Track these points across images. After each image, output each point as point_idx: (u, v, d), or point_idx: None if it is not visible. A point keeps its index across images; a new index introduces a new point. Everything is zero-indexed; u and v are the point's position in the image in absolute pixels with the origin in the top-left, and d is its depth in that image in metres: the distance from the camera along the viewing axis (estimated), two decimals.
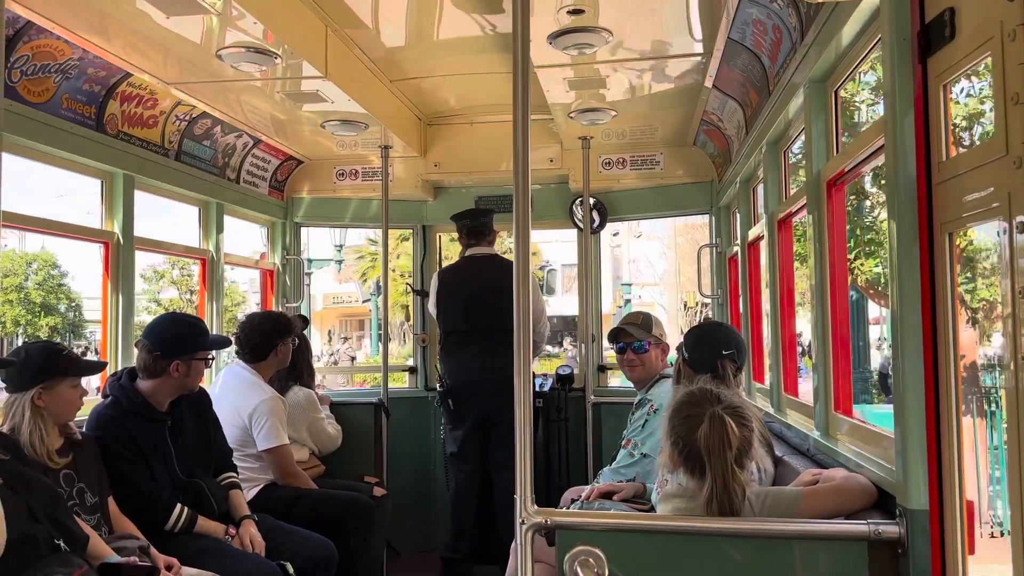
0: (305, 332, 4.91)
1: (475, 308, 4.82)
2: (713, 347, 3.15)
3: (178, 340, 3.34)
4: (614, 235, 29.74)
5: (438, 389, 5.04)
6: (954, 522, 1.78)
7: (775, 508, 2.12)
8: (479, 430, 4.85)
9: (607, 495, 3.50)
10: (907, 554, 1.85)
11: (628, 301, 25.35)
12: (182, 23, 3.11)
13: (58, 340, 27.08)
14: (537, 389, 5.34)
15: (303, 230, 5.85)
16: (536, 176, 5.35)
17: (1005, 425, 1.51)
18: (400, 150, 5.23)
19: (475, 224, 5.03)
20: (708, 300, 5.41)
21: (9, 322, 28.06)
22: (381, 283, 5.95)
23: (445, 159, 5.51)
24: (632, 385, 3.87)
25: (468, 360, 4.83)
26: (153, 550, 2.95)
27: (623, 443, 3.73)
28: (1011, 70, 1.49)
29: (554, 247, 30.95)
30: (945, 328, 1.80)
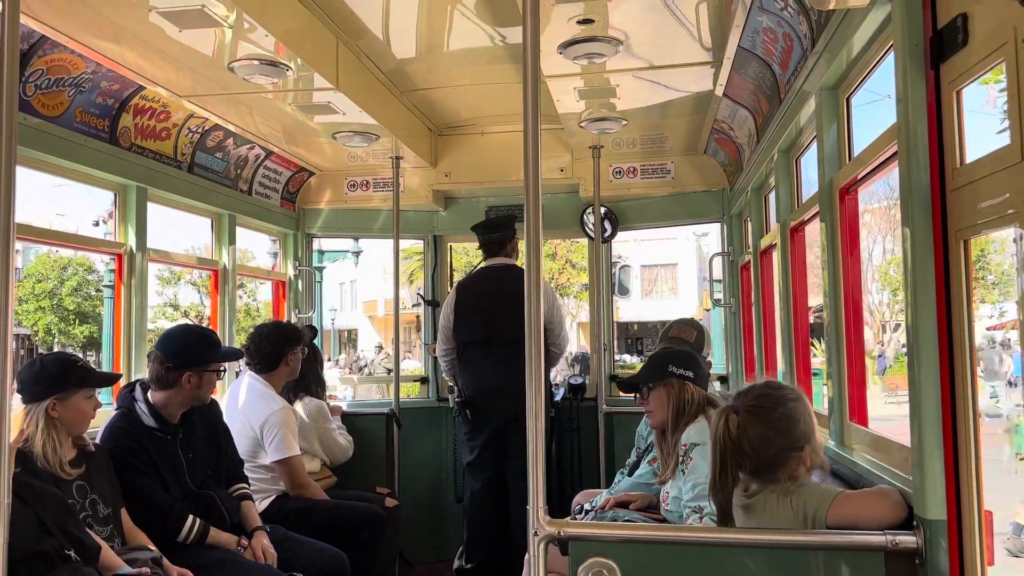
0: (316, 341, 4.91)
1: (493, 319, 4.80)
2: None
3: (190, 352, 3.35)
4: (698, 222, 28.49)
5: (455, 399, 5.01)
6: (972, 532, 1.75)
7: (809, 500, 2.09)
8: (496, 440, 4.82)
9: (622, 504, 3.49)
10: (925, 565, 1.83)
11: (718, 302, 23.39)
12: (194, 36, 3.14)
13: (83, 352, 26.57)
14: (551, 399, 5.31)
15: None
16: (547, 185, 5.34)
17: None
18: (411, 161, 5.24)
19: (484, 241, 5.01)
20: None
21: (41, 330, 26.61)
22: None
23: (456, 169, 5.52)
24: None
25: (487, 370, 4.81)
26: (166, 561, 2.96)
27: (649, 460, 3.67)
28: None
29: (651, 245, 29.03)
30: (961, 335, 1.78)
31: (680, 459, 3.05)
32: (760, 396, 2.23)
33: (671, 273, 33.67)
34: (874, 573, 1.88)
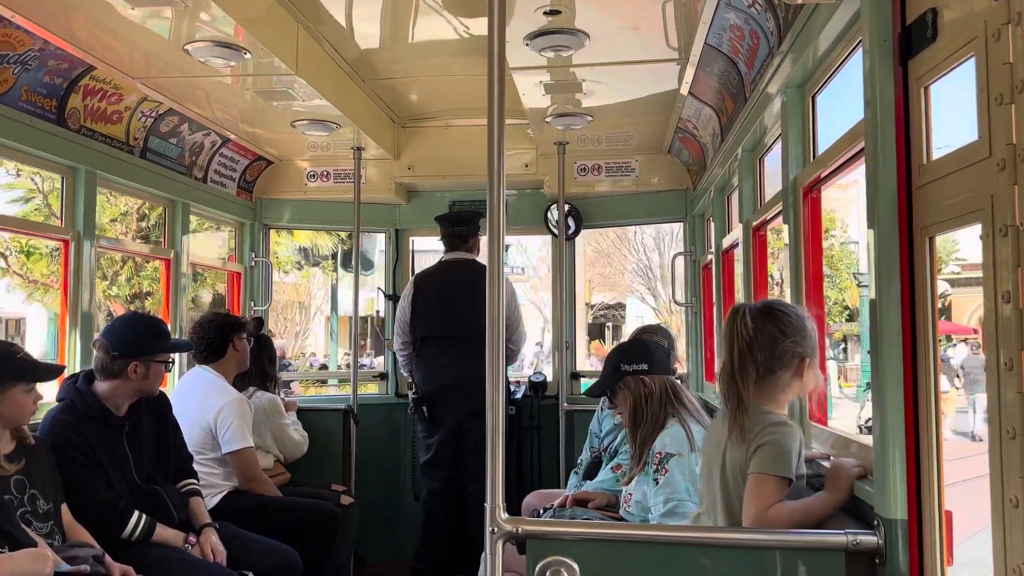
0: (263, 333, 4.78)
1: (452, 314, 4.73)
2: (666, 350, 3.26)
3: (137, 341, 3.24)
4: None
5: (411, 396, 4.94)
6: (933, 532, 1.74)
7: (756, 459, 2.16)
8: (454, 437, 4.76)
9: (581, 503, 3.45)
10: (885, 564, 1.82)
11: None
12: (148, 15, 3.03)
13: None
14: (510, 396, 5.27)
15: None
16: (511, 181, 5.29)
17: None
18: (373, 152, 5.15)
19: (448, 232, 4.94)
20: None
21: None
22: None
23: (419, 162, 5.45)
24: None
25: (445, 366, 4.74)
26: (108, 559, 2.83)
27: (612, 467, 3.62)
28: (995, 70, 1.46)
29: None
30: (925, 333, 1.77)
31: (655, 467, 2.93)
32: (772, 302, 2.35)
33: None
34: (835, 572, 1.86)
